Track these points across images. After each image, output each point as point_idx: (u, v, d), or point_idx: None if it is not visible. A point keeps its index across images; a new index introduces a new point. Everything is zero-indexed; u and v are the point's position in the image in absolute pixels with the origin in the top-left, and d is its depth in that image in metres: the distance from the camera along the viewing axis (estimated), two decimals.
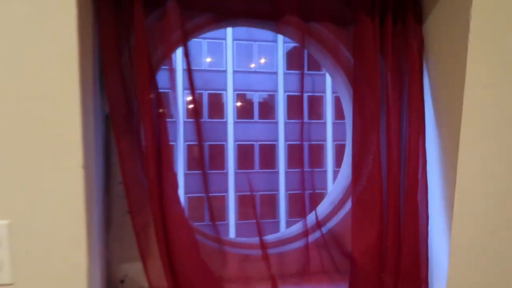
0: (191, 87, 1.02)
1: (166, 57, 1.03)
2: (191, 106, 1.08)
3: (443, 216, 1.06)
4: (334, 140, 13.55)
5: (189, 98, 1.07)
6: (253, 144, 13.98)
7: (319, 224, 1.13)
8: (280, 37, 13.18)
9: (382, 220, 1.00)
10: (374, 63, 1.04)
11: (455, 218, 1.02)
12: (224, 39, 13.86)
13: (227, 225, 13.41)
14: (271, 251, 1.12)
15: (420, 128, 1.04)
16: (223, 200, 13.64)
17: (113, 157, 1.04)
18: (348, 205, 1.17)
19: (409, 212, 1.01)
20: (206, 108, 13.85)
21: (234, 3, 1.07)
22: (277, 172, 13.56)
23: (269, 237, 1.19)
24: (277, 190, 13.50)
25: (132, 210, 0.93)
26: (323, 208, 1.23)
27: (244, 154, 13.77)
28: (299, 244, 1.14)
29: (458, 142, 0.99)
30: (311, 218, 1.14)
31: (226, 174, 13.65)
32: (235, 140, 13.83)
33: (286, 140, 13.71)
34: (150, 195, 0.90)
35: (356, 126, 1.08)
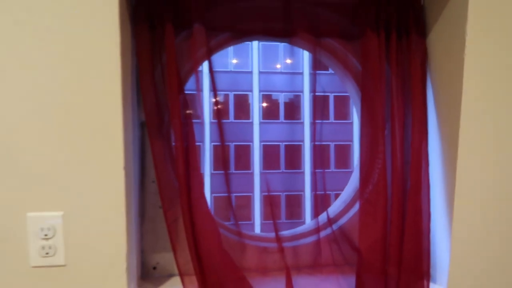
0: (215, 94, 1.16)
1: (193, 71, 1.17)
2: (215, 108, 1.21)
3: (445, 214, 1.15)
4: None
5: (214, 101, 1.20)
6: (278, 145, 14.08)
7: (330, 221, 1.25)
8: None
9: (386, 217, 1.10)
10: (380, 74, 1.13)
11: (455, 215, 1.11)
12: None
13: (252, 225, 13.57)
14: (286, 244, 1.24)
15: (423, 133, 1.13)
16: (249, 199, 13.81)
17: (147, 159, 1.19)
18: (357, 206, 1.28)
19: (413, 210, 1.11)
20: (232, 109, 14.05)
21: (251, 23, 1.19)
22: (303, 173, 13.61)
23: (285, 232, 1.31)
24: (302, 190, 13.55)
25: (164, 205, 1.07)
26: (336, 207, 1.34)
27: (270, 154, 13.88)
28: (312, 238, 1.26)
29: (457, 146, 1.09)
30: (324, 215, 1.26)
31: (251, 174, 13.81)
32: (261, 141, 13.96)
33: (311, 140, 13.71)
34: (179, 192, 1.04)
35: (364, 131, 1.18)
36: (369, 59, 1.15)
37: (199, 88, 1.14)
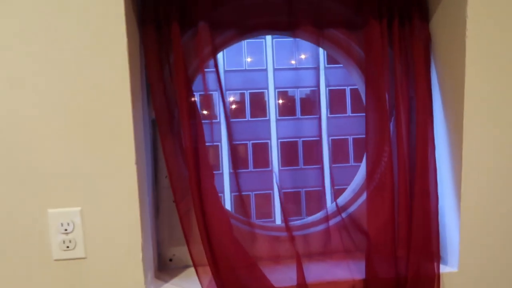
0: (221, 91, 1.19)
1: (200, 69, 1.20)
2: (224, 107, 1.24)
3: (452, 195, 1.17)
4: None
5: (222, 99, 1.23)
6: (296, 141, 14.06)
7: (339, 210, 1.27)
8: None
9: (394, 200, 1.12)
10: (383, 60, 1.15)
11: (463, 197, 1.13)
12: (264, 38, 14.04)
13: (273, 222, 13.61)
14: (296, 233, 1.27)
15: (428, 117, 1.14)
16: (269, 197, 13.85)
17: (159, 155, 1.24)
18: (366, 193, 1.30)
19: (420, 192, 1.12)
20: (249, 107, 14.10)
21: (255, 18, 1.22)
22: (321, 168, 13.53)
23: (296, 222, 1.34)
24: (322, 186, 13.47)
25: (176, 197, 1.11)
26: (345, 195, 1.36)
27: (288, 151, 13.87)
28: (321, 227, 1.28)
29: (462, 128, 1.10)
30: (334, 205, 1.29)
31: (271, 171, 13.83)
32: (278, 138, 13.97)
33: (329, 135, 13.65)
34: (190, 185, 1.08)
35: (370, 118, 1.19)
36: (373, 46, 1.16)
37: (206, 87, 1.18)
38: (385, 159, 1.15)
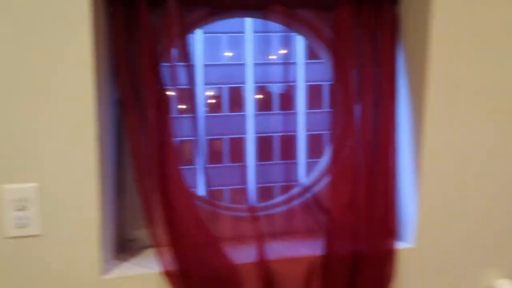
0: (190, 79, 1.17)
1: (169, 48, 1.19)
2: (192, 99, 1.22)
3: (412, 175, 1.20)
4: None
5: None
6: (272, 136, 14.12)
7: (305, 190, 1.29)
8: None
9: (355, 178, 1.14)
10: (351, 42, 1.16)
11: (422, 177, 1.17)
12: (243, 32, 14.01)
13: None
14: (260, 213, 1.28)
15: (392, 98, 1.17)
16: (245, 192, 13.85)
17: (124, 135, 1.22)
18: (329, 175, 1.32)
19: (381, 172, 1.15)
20: (227, 102, 14.06)
21: None
22: (296, 163, 13.65)
23: (260, 203, 1.35)
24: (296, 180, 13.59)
25: (138, 176, 1.10)
26: (312, 176, 1.39)
27: (263, 145, 13.92)
28: (286, 207, 1.30)
29: (425, 110, 1.13)
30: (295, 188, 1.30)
31: (245, 168, 13.85)
32: (255, 133, 14.01)
33: (307, 130, 13.79)
34: (153, 163, 1.07)
35: (336, 97, 1.20)
36: (341, 27, 1.17)
37: (173, 65, 1.16)
38: (349, 139, 1.17)
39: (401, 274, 1.20)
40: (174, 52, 1.19)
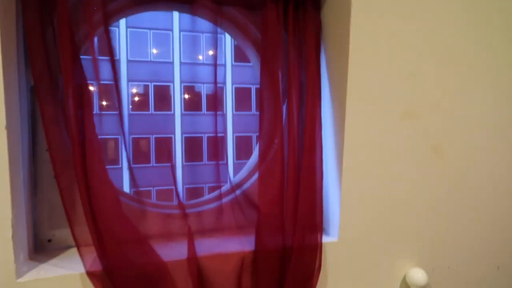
0: (113, 70, 1.11)
1: (89, 36, 1.12)
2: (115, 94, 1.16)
3: (335, 171, 1.26)
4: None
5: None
6: (201, 137, 13.98)
7: (233, 188, 1.29)
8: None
9: (283, 175, 1.17)
10: (278, 42, 1.19)
11: (344, 173, 1.23)
12: (171, 30, 13.70)
13: None
14: (189, 210, 1.26)
15: (317, 99, 1.22)
16: (171, 193, 13.52)
17: (39, 126, 1.13)
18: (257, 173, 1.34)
19: (307, 168, 1.19)
20: (152, 100, 13.63)
21: None
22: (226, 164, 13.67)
23: (190, 201, 1.33)
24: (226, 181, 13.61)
25: (56, 170, 1.01)
26: (240, 174, 1.39)
27: (192, 146, 13.73)
28: (215, 204, 1.29)
29: (345, 109, 1.20)
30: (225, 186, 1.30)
31: (174, 166, 13.54)
32: (183, 133, 13.74)
33: (234, 131, 13.85)
34: (73, 156, 1.00)
35: (264, 97, 1.23)
36: (269, 28, 1.20)
37: (94, 56, 1.10)
38: (277, 137, 1.20)
39: (325, 266, 1.26)
40: (95, 42, 1.13)
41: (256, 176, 1.35)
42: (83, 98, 1.05)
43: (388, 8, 1.21)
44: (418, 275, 1.33)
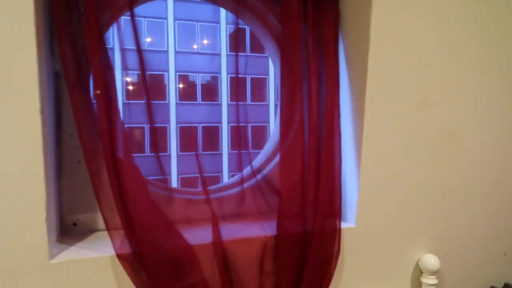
0: (138, 47, 1.12)
1: (114, 20, 1.12)
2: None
3: (354, 158, 1.29)
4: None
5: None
6: (196, 126, 13.94)
7: (254, 173, 1.31)
8: (223, 18, 13.16)
9: (304, 161, 1.19)
10: (298, 33, 1.20)
11: (363, 160, 1.26)
12: (165, 18, 13.56)
13: None
14: (212, 196, 1.28)
15: (335, 87, 1.24)
16: (165, 183, 13.51)
17: (63, 112, 1.13)
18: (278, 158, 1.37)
19: (326, 155, 1.21)
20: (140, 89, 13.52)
21: None
22: (221, 154, 13.70)
23: (211, 187, 1.35)
24: (220, 171, 13.64)
25: (86, 155, 1.02)
26: (258, 159, 1.41)
27: (187, 136, 13.71)
28: (236, 189, 1.31)
29: (365, 98, 1.22)
30: (249, 168, 1.32)
31: (169, 156, 13.52)
32: (178, 122, 13.70)
33: (229, 122, 13.84)
34: (102, 140, 1.00)
35: (284, 87, 1.24)
36: (289, 18, 1.21)
37: (121, 41, 1.10)
38: (296, 124, 1.22)
39: (343, 251, 1.28)
40: (118, 27, 1.13)
41: (275, 161, 1.38)
42: (109, 84, 1.05)
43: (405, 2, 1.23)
44: (431, 260, 1.37)
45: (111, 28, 1.16)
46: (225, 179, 13.69)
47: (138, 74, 1.14)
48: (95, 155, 1.05)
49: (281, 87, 1.25)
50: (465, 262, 1.49)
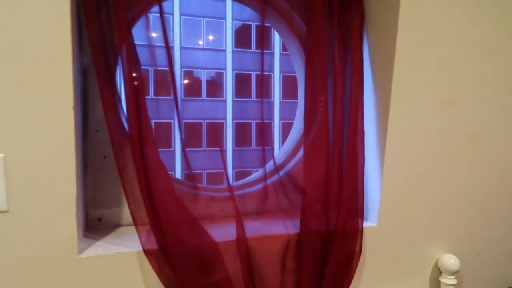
0: (166, 44, 1.13)
1: (142, 13, 1.12)
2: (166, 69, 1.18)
3: (377, 158, 1.29)
4: (281, 119, 13.88)
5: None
6: (201, 122, 13.96)
7: (277, 169, 1.31)
8: (228, 14, 13.15)
9: (328, 160, 1.19)
10: (323, 32, 1.20)
11: (386, 160, 1.26)
12: (172, 14, 13.55)
13: None
14: (235, 193, 1.28)
15: (360, 87, 1.23)
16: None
17: (89, 107, 1.14)
18: (300, 154, 1.36)
19: (350, 154, 1.21)
20: (153, 85, 13.55)
21: None
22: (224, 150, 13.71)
23: (233, 183, 1.35)
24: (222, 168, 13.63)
25: (114, 149, 1.02)
26: (280, 156, 1.41)
27: (192, 132, 13.73)
28: (259, 186, 1.31)
29: (390, 99, 1.22)
30: (271, 163, 1.32)
31: (173, 152, 13.56)
32: (183, 118, 13.70)
33: (233, 118, 13.86)
34: (130, 136, 1.01)
35: (308, 86, 1.24)
36: (314, 19, 1.20)
37: (149, 34, 1.11)
38: (320, 122, 1.21)
39: (364, 250, 1.29)
40: (146, 22, 1.14)
41: (296, 158, 1.38)
42: (138, 80, 1.06)
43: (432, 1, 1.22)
44: (450, 261, 1.37)
45: (138, 23, 1.16)
46: (230, 175, 13.72)
47: (163, 71, 1.15)
48: (123, 150, 1.05)
49: (306, 86, 1.25)
50: (484, 263, 1.49)
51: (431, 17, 1.23)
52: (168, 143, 13.38)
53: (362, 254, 1.26)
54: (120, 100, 1.08)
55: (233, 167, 13.46)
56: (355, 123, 1.23)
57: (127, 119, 1.03)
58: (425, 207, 1.36)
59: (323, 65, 1.21)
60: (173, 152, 13.33)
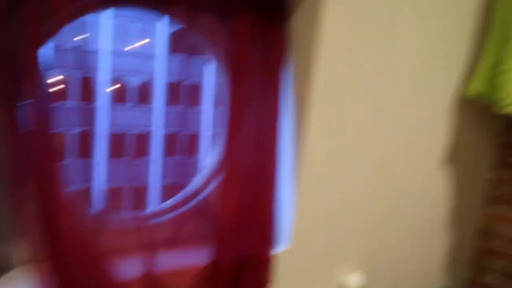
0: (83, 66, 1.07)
1: (55, 32, 1.06)
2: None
3: (290, 187, 1.36)
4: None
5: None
6: (126, 132, 13.36)
7: (188, 198, 1.30)
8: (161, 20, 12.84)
9: (242, 187, 1.22)
10: (246, 56, 1.22)
11: (298, 188, 1.33)
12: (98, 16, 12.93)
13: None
14: (144, 223, 1.24)
15: (276, 115, 1.28)
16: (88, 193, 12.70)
17: None
18: (216, 180, 1.37)
19: (264, 183, 1.24)
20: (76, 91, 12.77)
21: None
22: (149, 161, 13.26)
23: (143, 212, 1.31)
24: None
25: (15, 182, 0.94)
26: (195, 183, 1.40)
27: (117, 141, 13.10)
28: (171, 215, 1.29)
29: (306, 132, 1.28)
30: (182, 193, 1.31)
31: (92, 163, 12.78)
32: (108, 127, 13.04)
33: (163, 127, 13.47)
34: (32, 168, 0.93)
35: (229, 110, 1.25)
36: (238, 40, 1.21)
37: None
38: (237, 150, 1.23)
39: (277, 273, 1.32)
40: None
41: (210, 188, 1.37)
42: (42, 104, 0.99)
43: (361, 20, 1.31)
44: (356, 279, 1.47)
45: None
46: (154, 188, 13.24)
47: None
48: (24, 181, 0.97)
49: (229, 112, 1.24)
50: (391, 278, 1.61)
51: (356, 37, 1.31)
52: (87, 152, 12.63)
53: (275, 279, 1.28)
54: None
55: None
56: (270, 151, 1.27)
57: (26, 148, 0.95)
58: (336, 229, 1.44)
59: (244, 91, 1.23)
60: (92, 162, 12.59)
